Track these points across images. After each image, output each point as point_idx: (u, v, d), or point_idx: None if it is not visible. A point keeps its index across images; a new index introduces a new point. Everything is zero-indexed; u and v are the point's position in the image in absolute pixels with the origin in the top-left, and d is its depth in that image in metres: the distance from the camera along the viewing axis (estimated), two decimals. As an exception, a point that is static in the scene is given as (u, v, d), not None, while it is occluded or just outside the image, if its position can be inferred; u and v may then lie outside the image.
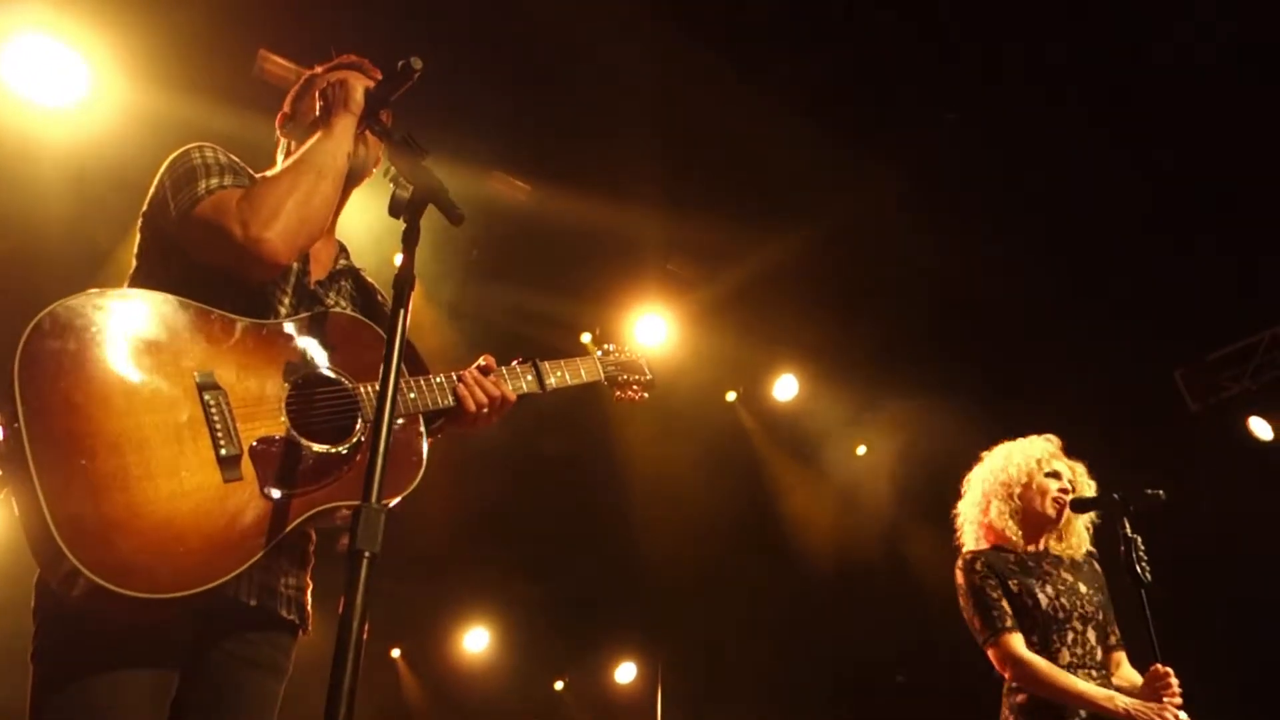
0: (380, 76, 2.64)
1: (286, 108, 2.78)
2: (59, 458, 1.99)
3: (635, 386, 3.16)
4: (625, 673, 11.64)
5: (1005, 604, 3.86)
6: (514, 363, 2.75)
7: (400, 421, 2.42)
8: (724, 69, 6.07)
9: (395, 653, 10.94)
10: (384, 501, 2.11)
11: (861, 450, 9.55)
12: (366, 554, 1.81)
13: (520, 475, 9.04)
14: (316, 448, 2.27)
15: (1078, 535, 4.16)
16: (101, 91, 5.30)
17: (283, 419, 2.25)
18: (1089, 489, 4.19)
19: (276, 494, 2.17)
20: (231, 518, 2.11)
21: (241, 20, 5.30)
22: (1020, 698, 3.82)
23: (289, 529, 2.17)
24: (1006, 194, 6.83)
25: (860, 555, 9.47)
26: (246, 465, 2.16)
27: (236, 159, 2.52)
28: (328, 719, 1.70)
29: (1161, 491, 3.86)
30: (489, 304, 7.17)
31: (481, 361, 2.66)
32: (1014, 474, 4.12)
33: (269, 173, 2.50)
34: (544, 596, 10.44)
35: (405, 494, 2.38)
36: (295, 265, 2.53)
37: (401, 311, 2.04)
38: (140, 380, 2.12)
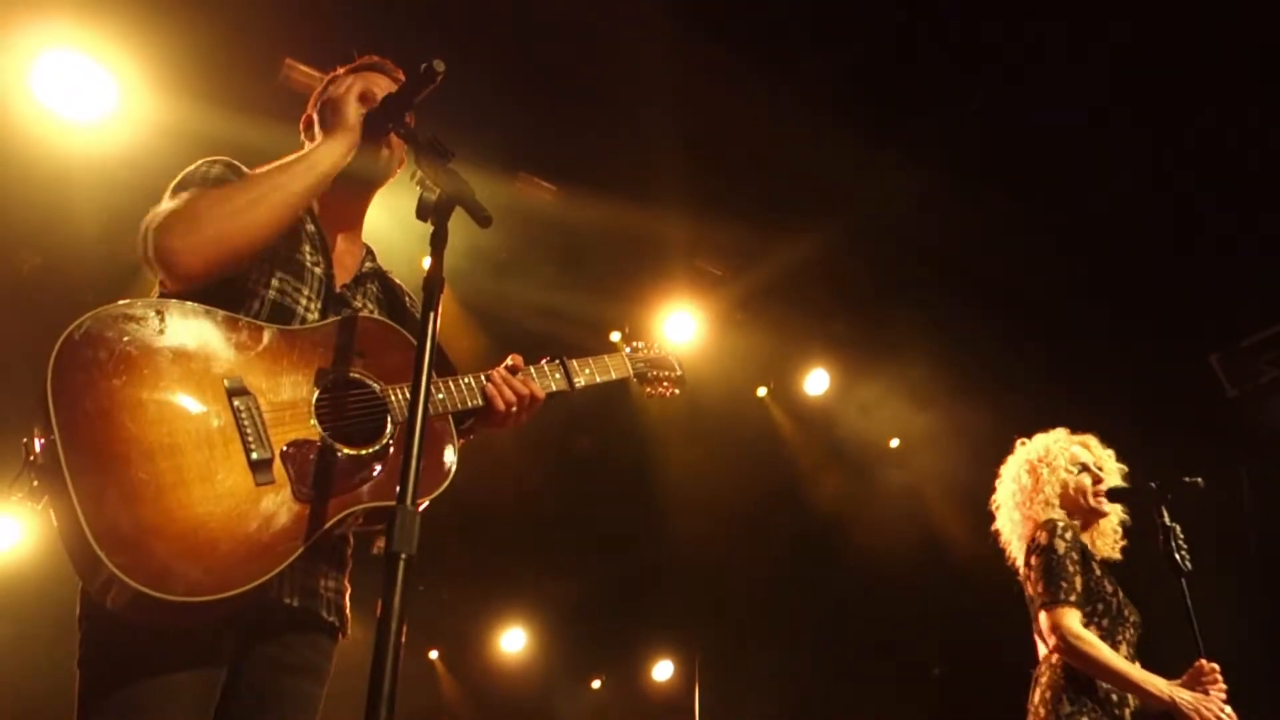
0: (403, 76, 2.67)
1: (310, 111, 2.80)
2: (93, 467, 2.02)
3: (666, 383, 3.17)
4: (662, 671, 11.64)
5: (1079, 581, 3.80)
6: (542, 362, 2.77)
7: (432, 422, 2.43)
8: (747, 65, 6.05)
9: (433, 654, 11.00)
10: (424, 496, 2.13)
11: (895, 443, 9.50)
12: (403, 556, 1.81)
13: (553, 475, 9.05)
14: (348, 450, 2.28)
15: (1112, 524, 4.14)
16: (130, 105, 5.33)
17: (313, 423, 2.27)
18: (1109, 459, 4.17)
19: (310, 496, 2.19)
20: (265, 520, 2.12)
21: (268, 31, 5.33)
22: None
23: (323, 530, 2.19)
24: (1036, 182, 6.77)
25: (894, 548, 9.41)
26: (279, 469, 2.18)
27: (242, 174, 2.50)
28: (368, 721, 1.70)
29: (1200, 479, 3.82)
30: (517, 305, 7.18)
31: (509, 361, 2.67)
32: (1049, 491, 4.09)
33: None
34: (580, 596, 10.44)
35: (436, 495, 2.39)
36: (319, 270, 2.55)
37: (432, 314, 2.05)
38: (171, 388, 2.15)
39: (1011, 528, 4.21)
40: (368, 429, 2.35)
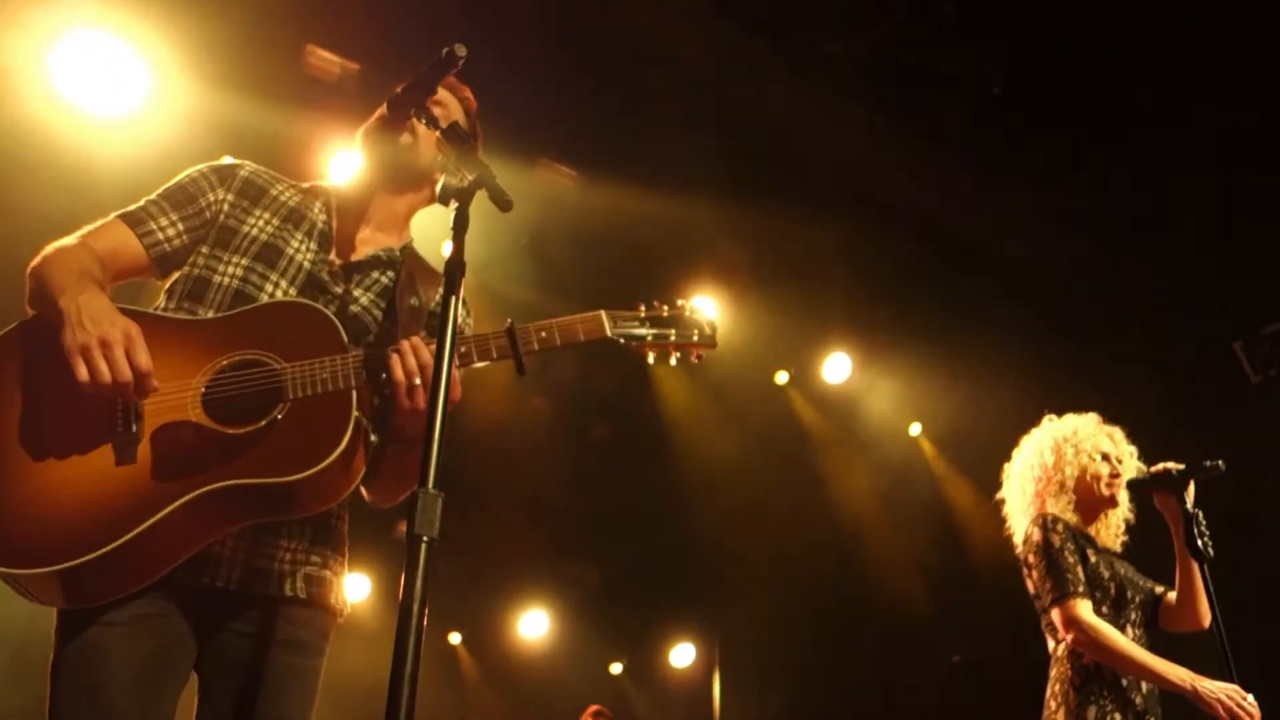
0: (468, 93, 2.80)
1: (369, 124, 2.73)
2: None
3: (680, 344, 2.74)
4: (682, 655, 11.66)
5: (1080, 570, 3.81)
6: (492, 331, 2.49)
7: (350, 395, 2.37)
8: (771, 49, 6.03)
9: (455, 638, 11.05)
10: (292, 475, 2.19)
11: (915, 429, 9.47)
12: (425, 539, 1.82)
13: (574, 459, 9.07)
14: (224, 430, 2.29)
15: (1120, 514, 4.13)
16: (159, 98, 5.22)
17: (195, 405, 2.30)
18: (1129, 456, 4.16)
19: (167, 473, 2.24)
20: (116, 496, 2.21)
21: (301, 19, 5.30)
22: (1086, 659, 3.78)
23: (177, 505, 2.21)
24: (1057, 168, 6.73)
25: (916, 534, 9.40)
26: (144, 450, 2.25)
27: (206, 185, 2.62)
28: (391, 705, 1.72)
29: (1221, 462, 3.79)
30: (537, 290, 7.18)
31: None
32: (1068, 471, 4.09)
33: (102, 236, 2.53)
34: (601, 580, 10.47)
35: (320, 468, 2.27)
36: (302, 256, 2.58)
37: (453, 298, 2.05)
38: (47, 386, 2.28)
39: (1019, 498, 4.22)
40: (259, 407, 2.33)
